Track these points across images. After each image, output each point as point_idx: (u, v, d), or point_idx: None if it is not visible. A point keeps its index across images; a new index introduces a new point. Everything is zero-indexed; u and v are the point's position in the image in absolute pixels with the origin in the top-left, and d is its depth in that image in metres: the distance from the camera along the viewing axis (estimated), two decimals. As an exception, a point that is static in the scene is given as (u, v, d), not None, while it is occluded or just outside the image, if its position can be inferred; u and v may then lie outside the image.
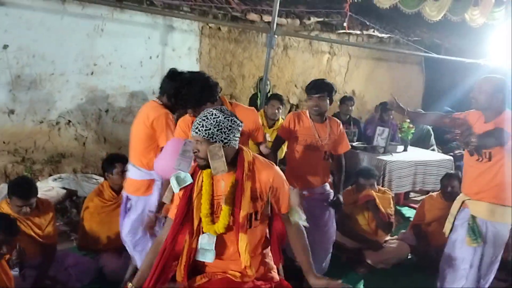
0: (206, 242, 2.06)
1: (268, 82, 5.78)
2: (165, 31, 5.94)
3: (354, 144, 5.34)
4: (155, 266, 2.04)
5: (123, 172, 3.44)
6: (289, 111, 7.87)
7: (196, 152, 2.03)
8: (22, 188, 3.07)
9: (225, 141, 2.01)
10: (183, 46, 6.14)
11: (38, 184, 4.50)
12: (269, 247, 2.29)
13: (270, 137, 5.09)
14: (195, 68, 6.09)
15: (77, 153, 5.36)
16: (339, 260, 3.96)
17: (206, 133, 1.98)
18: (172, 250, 2.06)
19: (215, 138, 1.99)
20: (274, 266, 2.27)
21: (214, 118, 2.00)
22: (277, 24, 5.38)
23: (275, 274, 2.23)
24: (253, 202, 2.08)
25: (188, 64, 6.06)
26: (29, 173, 4.85)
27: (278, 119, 5.17)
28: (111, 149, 5.50)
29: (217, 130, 1.99)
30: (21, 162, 4.98)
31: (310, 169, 3.34)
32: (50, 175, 4.93)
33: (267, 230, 2.28)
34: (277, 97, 5.24)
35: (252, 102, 6.56)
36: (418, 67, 9.51)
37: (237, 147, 2.11)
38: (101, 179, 4.92)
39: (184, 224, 2.09)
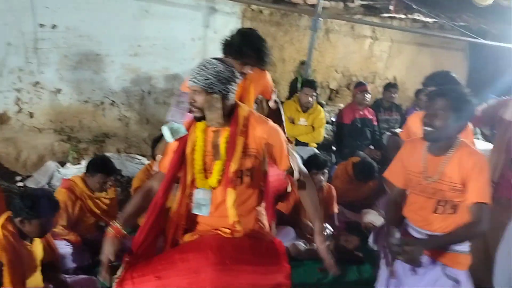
0: (201, 197, 2.02)
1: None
2: (208, 13, 5.91)
3: (397, 131, 5.21)
4: (146, 219, 1.99)
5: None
6: (329, 97, 7.77)
7: (192, 102, 1.93)
8: (108, 166, 3.25)
9: (224, 92, 1.91)
10: (224, 29, 6.05)
11: (84, 162, 4.62)
12: (263, 205, 2.20)
13: (306, 121, 5.03)
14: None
15: (120, 133, 5.44)
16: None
17: (204, 83, 1.88)
18: (163, 204, 2.01)
19: (213, 88, 1.89)
20: (267, 224, 2.19)
21: (214, 67, 1.90)
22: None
23: (267, 232, 2.16)
24: (246, 159, 1.99)
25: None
26: (75, 152, 4.95)
27: (312, 106, 5.05)
28: (153, 130, 5.52)
29: (217, 81, 1.89)
30: (67, 141, 5.08)
31: None
32: (95, 154, 5.01)
33: (262, 188, 2.18)
34: (311, 84, 5.05)
35: (292, 86, 6.50)
36: (462, 53, 9.17)
37: (234, 102, 2.01)
38: (144, 160, 4.98)
39: (176, 179, 2.04)
